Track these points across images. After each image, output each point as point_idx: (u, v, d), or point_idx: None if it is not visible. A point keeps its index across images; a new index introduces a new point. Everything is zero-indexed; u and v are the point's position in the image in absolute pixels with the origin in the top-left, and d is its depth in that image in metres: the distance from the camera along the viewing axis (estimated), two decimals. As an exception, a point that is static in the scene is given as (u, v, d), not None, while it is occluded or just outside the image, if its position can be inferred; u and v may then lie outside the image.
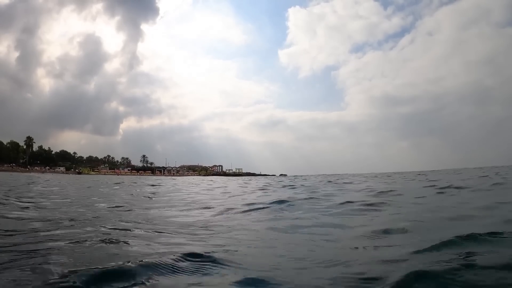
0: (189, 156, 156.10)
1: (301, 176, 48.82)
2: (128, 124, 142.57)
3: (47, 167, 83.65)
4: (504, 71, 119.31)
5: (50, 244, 2.41)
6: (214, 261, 1.93)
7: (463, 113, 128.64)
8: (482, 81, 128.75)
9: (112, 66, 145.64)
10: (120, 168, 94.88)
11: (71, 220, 3.74)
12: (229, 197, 8.35)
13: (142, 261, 1.84)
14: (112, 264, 1.76)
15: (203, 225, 3.65)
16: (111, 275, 1.62)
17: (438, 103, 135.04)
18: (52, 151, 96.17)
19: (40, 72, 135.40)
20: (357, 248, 2.44)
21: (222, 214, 4.82)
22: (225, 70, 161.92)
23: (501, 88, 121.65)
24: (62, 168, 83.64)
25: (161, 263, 1.82)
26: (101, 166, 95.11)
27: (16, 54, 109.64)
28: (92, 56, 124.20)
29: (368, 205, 5.13)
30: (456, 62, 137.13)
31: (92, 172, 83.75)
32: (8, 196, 7.03)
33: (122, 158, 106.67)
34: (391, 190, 8.15)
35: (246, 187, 14.26)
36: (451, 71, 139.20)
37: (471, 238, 2.27)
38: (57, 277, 1.58)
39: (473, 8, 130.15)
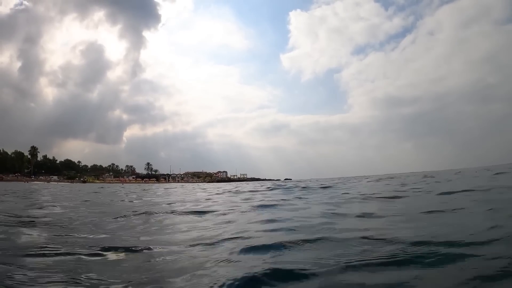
0: (193, 162, 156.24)
1: (310, 180, 48.02)
2: (132, 132, 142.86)
3: (52, 176, 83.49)
4: (505, 69, 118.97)
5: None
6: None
7: (465, 112, 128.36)
8: (484, 79, 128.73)
9: (115, 74, 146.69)
10: (125, 176, 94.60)
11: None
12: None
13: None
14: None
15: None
16: None
17: (441, 102, 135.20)
18: (56, 160, 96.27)
19: (43, 81, 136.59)
20: None
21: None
22: (227, 75, 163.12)
23: (503, 85, 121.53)
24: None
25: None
26: (106, 174, 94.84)
27: (18, 64, 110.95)
28: (94, 64, 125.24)
29: None
30: (458, 61, 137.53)
31: (97, 181, 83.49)
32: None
33: (127, 166, 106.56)
34: None
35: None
36: (453, 70, 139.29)
37: None
38: None
39: (473, 6, 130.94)
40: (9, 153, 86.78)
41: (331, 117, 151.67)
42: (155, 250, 2.81)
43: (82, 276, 2.05)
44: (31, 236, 3.49)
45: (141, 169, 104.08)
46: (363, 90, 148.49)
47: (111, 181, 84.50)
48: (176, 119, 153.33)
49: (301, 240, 2.87)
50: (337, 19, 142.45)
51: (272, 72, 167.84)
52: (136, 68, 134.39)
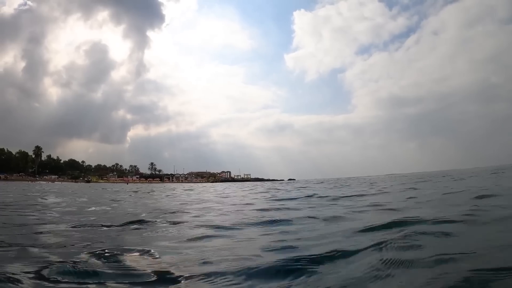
0: (197, 162, 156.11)
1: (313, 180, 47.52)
2: (136, 132, 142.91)
3: (56, 176, 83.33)
4: (509, 68, 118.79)
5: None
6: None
7: (470, 112, 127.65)
8: (488, 79, 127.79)
9: (119, 74, 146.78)
10: (129, 176, 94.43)
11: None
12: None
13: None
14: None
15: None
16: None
17: (445, 102, 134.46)
18: (60, 160, 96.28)
19: (47, 81, 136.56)
20: None
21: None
22: (231, 75, 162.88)
23: (507, 85, 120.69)
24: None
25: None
26: (110, 174, 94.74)
27: (22, 64, 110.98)
28: (98, 64, 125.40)
29: None
30: (462, 61, 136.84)
31: (101, 181, 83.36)
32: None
33: (130, 166, 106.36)
34: None
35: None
36: (457, 70, 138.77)
37: None
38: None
39: (477, 5, 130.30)
40: (14, 153, 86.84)
41: (335, 117, 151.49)
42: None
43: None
44: None
45: (145, 169, 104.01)
46: (367, 90, 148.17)
47: (115, 181, 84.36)
48: (180, 119, 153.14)
49: None
50: (341, 19, 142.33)
51: (276, 72, 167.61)
52: (140, 68, 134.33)
